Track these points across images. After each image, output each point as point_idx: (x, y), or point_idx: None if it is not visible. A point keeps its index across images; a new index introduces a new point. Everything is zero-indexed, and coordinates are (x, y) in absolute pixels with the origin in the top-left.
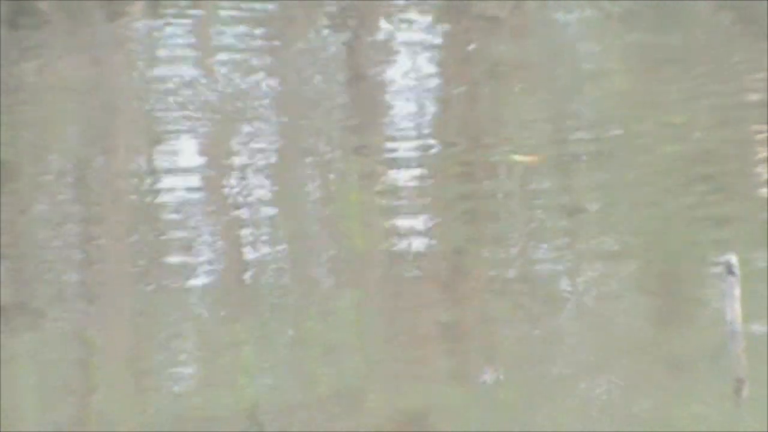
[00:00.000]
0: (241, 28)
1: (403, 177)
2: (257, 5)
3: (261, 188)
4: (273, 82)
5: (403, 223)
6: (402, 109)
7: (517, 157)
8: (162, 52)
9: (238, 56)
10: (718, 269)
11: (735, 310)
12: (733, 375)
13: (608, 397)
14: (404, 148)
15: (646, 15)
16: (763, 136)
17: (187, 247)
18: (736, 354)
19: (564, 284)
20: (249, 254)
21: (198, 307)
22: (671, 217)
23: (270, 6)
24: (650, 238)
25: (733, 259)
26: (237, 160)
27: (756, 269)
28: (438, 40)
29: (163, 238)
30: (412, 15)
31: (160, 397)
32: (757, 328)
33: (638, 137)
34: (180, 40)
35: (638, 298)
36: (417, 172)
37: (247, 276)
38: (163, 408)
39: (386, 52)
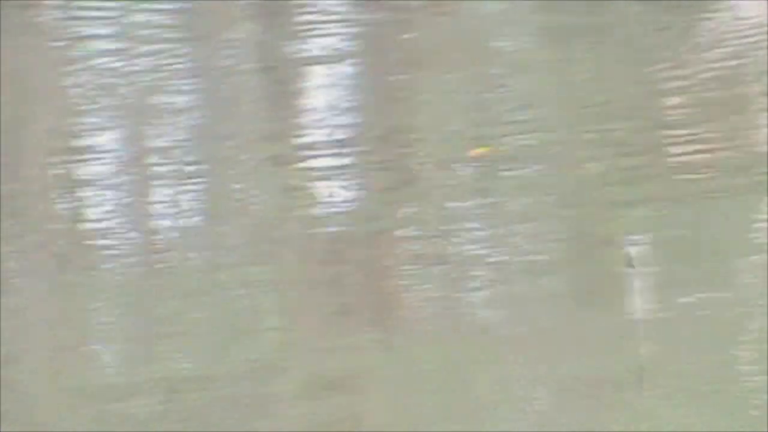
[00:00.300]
0: (161, 20)
1: (323, 185)
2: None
3: (178, 191)
4: (190, 78)
5: (322, 210)
6: (319, 106)
7: (475, 151)
8: (78, 44)
9: (156, 48)
10: (631, 252)
11: (636, 302)
12: (633, 364)
13: (509, 383)
14: (322, 155)
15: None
16: (677, 122)
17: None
18: (636, 343)
19: (479, 261)
20: (164, 247)
21: (116, 285)
22: (588, 210)
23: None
24: (565, 221)
25: (633, 251)
26: (153, 162)
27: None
28: (352, 31)
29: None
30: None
31: (77, 370)
32: (663, 312)
33: (555, 134)
34: (97, 31)
35: (549, 281)
36: (336, 179)
37: (162, 259)
38: (79, 381)
39: (302, 42)
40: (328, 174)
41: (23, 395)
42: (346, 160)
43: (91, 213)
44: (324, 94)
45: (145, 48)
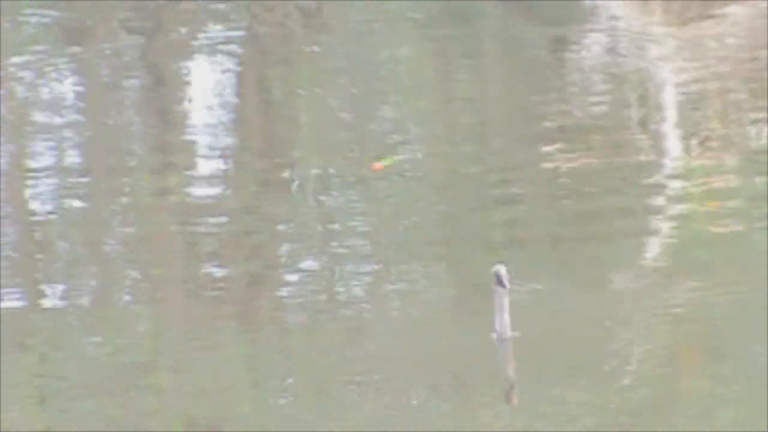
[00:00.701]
0: (41, 36)
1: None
2: (56, 12)
3: (61, 206)
4: (73, 92)
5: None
6: (201, 123)
7: (378, 164)
8: None
9: (37, 65)
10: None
11: (504, 320)
12: (502, 383)
13: (387, 404)
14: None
15: (443, 21)
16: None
17: None
18: (504, 362)
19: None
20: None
21: None
22: (463, 229)
23: (67, 13)
24: (441, 247)
25: (502, 270)
26: (36, 177)
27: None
28: (235, 46)
29: None
30: (208, 18)
31: None
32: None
33: (434, 157)
34: None
35: (425, 305)
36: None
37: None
38: None
39: (184, 57)
40: (209, 191)
41: None
42: (226, 176)
43: None
44: (205, 110)
45: (21, 59)
